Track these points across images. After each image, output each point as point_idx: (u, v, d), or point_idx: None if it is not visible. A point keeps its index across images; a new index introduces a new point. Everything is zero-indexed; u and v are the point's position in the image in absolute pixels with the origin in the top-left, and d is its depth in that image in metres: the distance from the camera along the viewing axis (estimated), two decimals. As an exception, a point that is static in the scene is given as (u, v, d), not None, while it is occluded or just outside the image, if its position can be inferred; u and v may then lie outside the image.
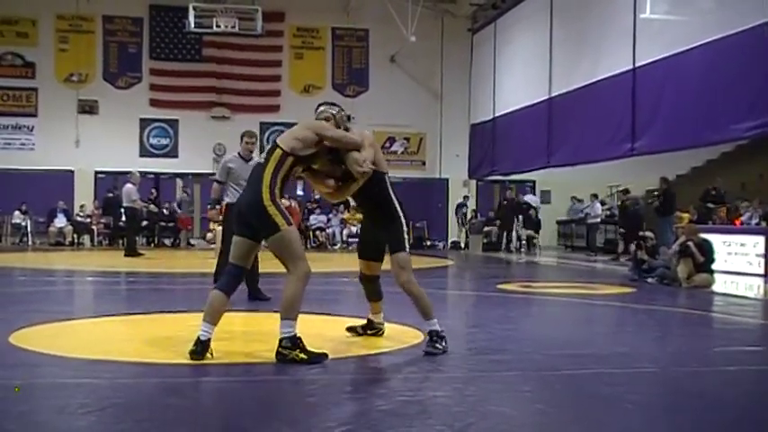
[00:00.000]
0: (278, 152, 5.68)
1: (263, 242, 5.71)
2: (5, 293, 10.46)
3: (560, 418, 4.34)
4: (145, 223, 22.86)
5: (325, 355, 5.56)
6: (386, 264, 6.39)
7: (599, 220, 22.66)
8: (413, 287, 6.06)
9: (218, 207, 9.80)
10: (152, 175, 24.55)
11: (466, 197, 26.22)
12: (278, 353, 5.46)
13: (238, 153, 9.48)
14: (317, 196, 25.06)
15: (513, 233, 23.64)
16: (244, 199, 5.77)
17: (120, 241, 21.75)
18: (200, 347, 5.39)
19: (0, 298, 9.76)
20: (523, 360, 5.84)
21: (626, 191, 21.36)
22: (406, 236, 6.17)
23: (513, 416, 4.35)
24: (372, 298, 6.56)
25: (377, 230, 6.30)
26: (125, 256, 17.83)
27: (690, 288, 12.00)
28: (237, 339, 6.56)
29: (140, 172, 19.62)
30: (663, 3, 15.39)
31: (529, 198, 25.22)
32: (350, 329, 6.63)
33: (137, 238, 20.07)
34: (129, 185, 18.25)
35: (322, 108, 6.17)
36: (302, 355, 5.42)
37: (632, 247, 14.50)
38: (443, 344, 5.89)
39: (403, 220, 6.17)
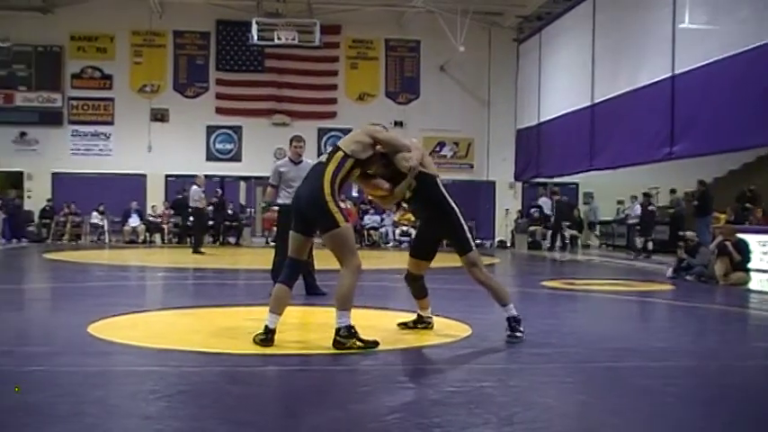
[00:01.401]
0: (339, 154, 5.77)
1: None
2: (85, 288, 10.68)
3: (601, 408, 4.29)
4: (211, 223, 23.11)
5: (377, 343, 5.64)
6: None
7: (638, 220, 22.34)
8: (488, 280, 6.18)
9: (273, 208, 9.86)
10: (217, 179, 24.78)
11: (536, 201, 26.15)
12: (336, 341, 5.53)
13: (289, 157, 9.54)
14: (370, 197, 25.15)
15: (566, 233, 23.43)
16: (303, 194, 5.79)
17: (188, 239, 22.02)
18: (268, 335, 5.60)
19: (80, 292, 9.98)
20: (566, 353, 5.77)
21: (673, 191, 21.19)
22: (468, 234, 6.18)
23: (555, 406, 4.32)
24: (418, 295, 6.56)
25: (438, 233, 6.33)
26: (192, 253, 18.06)
27: (726, 286, 11.78)
28: (295, 331, 6.60)
29: (206, 175, 19.87)
30: (701, 13, 15.08)
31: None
32: (401, 325, 6.62)
33: (203, 237, 20.30)
34: (194, 187, 18.47)
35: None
36: (359, 343, 5.53)
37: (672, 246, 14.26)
38: (521, 328, 6.01)
39: (461, 219, 6.16)
